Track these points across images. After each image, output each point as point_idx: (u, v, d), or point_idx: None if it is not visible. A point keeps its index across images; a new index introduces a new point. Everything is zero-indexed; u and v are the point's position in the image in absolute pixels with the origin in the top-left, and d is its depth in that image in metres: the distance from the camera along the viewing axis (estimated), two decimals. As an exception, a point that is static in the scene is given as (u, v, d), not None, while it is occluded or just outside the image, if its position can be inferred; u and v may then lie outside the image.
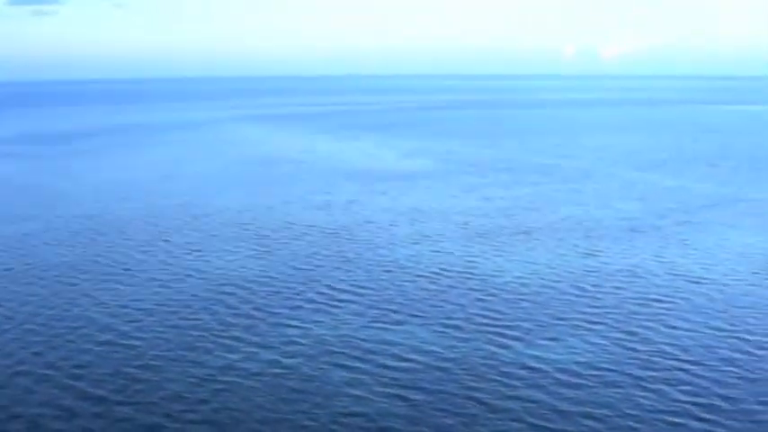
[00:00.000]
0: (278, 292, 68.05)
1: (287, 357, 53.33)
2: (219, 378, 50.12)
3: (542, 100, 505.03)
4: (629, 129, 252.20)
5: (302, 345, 55.61)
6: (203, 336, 57.59)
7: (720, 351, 53.85)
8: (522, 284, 70.02)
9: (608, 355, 53.19)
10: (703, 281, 70.91)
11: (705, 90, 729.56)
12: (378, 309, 63.33)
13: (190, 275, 73.73)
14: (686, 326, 58.82)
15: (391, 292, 67.82)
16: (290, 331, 58.24)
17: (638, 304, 64.12)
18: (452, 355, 53.39)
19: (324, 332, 58.01)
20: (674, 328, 58.41)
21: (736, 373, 50.12)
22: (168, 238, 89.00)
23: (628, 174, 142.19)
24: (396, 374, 50.39)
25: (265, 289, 69.14)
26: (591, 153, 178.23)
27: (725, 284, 69.70)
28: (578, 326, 58.93)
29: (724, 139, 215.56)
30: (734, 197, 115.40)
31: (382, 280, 71.71)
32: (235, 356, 53.57)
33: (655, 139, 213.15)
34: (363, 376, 50.17)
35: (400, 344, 55.53)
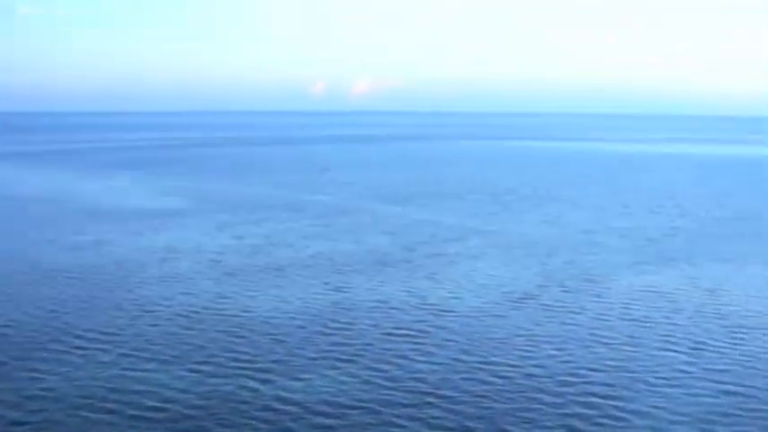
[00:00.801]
0: (12, 341, 63.79)
1: (14, 410, 49.68)
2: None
3: (291, 137, 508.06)
4: (377, 164, 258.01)
5: (34, 396, 52.03)
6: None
7: (463, 383, 54.79)
8: (271, 322, 69.10)
9: (355, 392, 52.97)
10: (448, 313, 72.50)
11: (455, 126, 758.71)
12: (120, 353, 60.42)
13: None
14: (431, 359, 59.66)
15: (136, 335, 65.05)
16: (22, 383, 54.41)
17: (386, 339, 64.55)
18: (197, 400, 51.49)
19: (59, 382, 54.57)
20: (420, 361, 59.10)
21: (481, 404, 51.08)
22: None
23: (377, 208, 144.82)
24: (135, 422, 47.97)
25: (-3, 338, 64.75)
26: (341, 188, 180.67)
27: (469, 316, 71.54)
28: (326, 363, 58.51)
29: (467, 172, 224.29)
30: (478, 229, 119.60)
31: (128, 323, 68.76)
32: (-42, 414, 49.47)
33: (402, 174, 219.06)
34: (101, 426, 47.47)
35: (142, 390, 52.97)
